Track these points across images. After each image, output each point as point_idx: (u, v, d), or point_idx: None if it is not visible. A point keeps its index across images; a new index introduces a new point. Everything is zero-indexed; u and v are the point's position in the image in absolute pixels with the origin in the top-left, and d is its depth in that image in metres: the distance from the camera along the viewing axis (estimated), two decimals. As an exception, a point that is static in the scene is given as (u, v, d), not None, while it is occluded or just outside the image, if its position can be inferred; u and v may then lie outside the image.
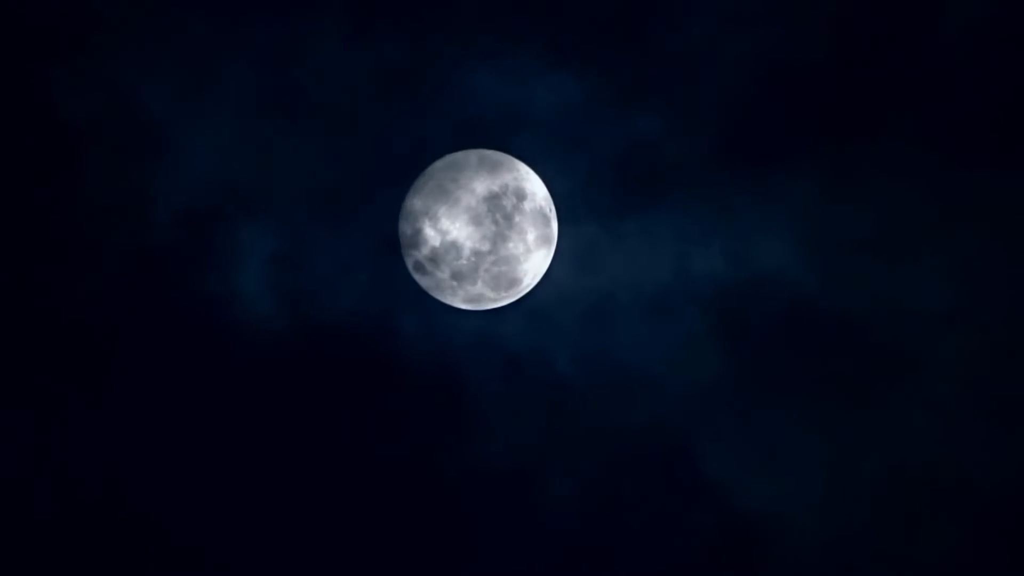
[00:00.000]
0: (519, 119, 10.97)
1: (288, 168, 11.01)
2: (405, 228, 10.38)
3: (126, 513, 10.77)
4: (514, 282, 10.35)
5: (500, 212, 10.11)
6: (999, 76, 10.76)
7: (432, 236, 10.17)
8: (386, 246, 10.75)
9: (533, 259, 10.35)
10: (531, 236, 10.27)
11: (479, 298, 10.42)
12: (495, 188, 10.19)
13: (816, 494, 10.77)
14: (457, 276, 10.19)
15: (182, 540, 10.85)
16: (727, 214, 10.87)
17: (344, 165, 11.04)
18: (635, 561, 10.83)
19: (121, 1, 10.94)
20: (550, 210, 10.54)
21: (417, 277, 10.46)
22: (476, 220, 10.06)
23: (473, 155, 10.44)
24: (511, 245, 10.13)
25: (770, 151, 10.85)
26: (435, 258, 10.20)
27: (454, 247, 10.05)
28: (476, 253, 10.04)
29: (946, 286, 10.75)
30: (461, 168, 10.32)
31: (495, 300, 10.49)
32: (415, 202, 10.34)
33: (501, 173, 10.34)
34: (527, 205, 10.30)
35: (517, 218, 10.19)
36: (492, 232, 10.06)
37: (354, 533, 10.88)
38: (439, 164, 10.44)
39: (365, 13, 10.99)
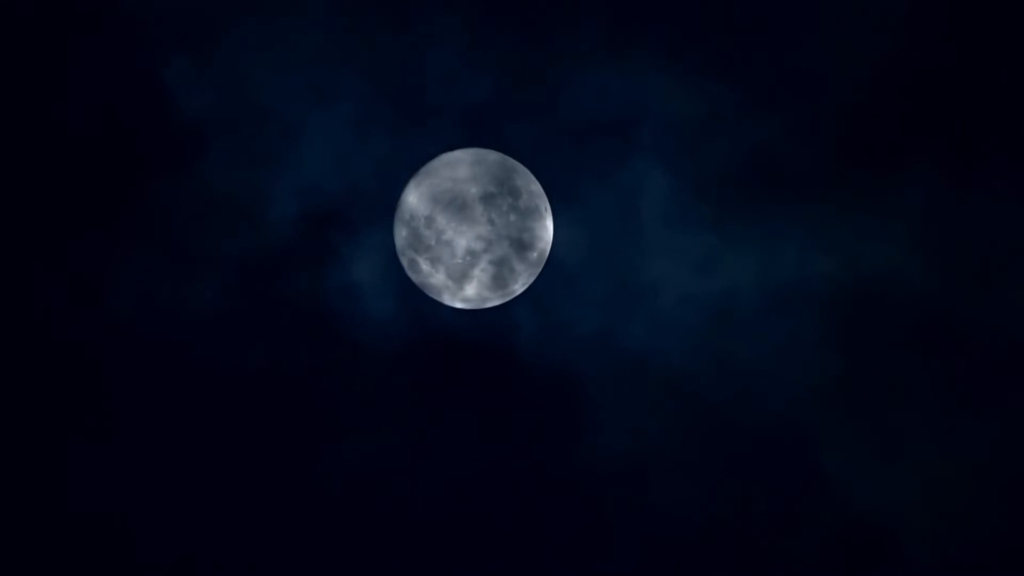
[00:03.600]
0: (638, 122, 11.08)
1: (408, 169, 11.11)
2: (401, 229, 10.45)
3: (250, 498, 10.86)
4: (510, 280, 10.39)
5: (496, 211, 10.15)
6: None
7: (428, 236, 10.22)
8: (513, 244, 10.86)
9: (530, 258, 10.40)
10: (527, 235, 10.31)
11: (475, 298, 10.47)
12: (491, 188, 10.23)
13: (935, 495, 10.82)
14: (453, 276, 10.24)
15: (295, 528, 10.92)
16: (846, 217, 10.95)
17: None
18: (754, 558, 10.87)
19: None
20: (546, 209, 10.61)
21: (412, 276, 10.54)
22: (472, 219, 10.08)
23: (470, 154, 10.49)
24: (507, 244, 10.17)
25: (888, 154, 10.94)
26: (432, 257, 10.25)
27: (449, 247, 10.09)
28: (471, 252, 10.08)
29: (1063, 288, 10.83)
30: (456, 167, 10.37)
31: (490, 300, 10.54)
32: (411, 200, 10.40)
33: (497, 172, 10.38)
34: (522, 203, 10.33)
35: (513, 216, 10.22)
36: (488, 231, 10.10)
37: (471, 528, 10.93)
38: (435, 163, 10.51)
39: (484, 16, 11.10)
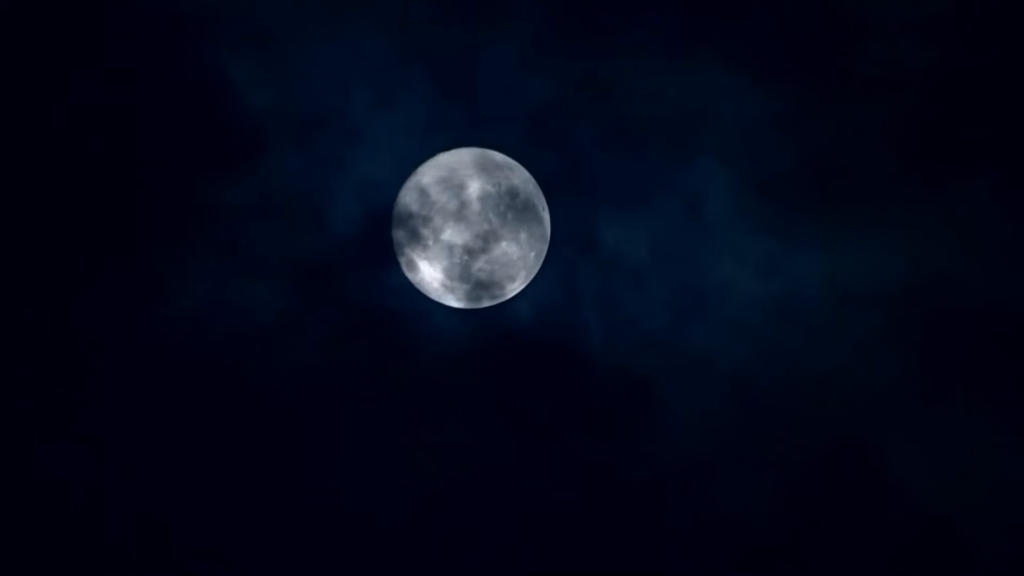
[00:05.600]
0: (700, 124, 11.11)
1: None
2: (399, 230, 10.45)
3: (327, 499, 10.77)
4: (508, 280, 10.39)
5: (493, 211, 10.14)
6: None
7: (425, 235, 10.22)
8: (577, 246, 10.89)
9: (527, 258, 10.40)
10: (523, 235, 10.32)
11: (474, 297, 10.46)
12: (489, 187, 10.24)
13: (1004, 496, 10.80)
14: (451, 276, 10.23)
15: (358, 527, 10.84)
16: (908, 220, 10.99)
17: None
18: (818, 559, 10.82)
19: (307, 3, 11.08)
20: (543, 208, 10.63)
21: (409, 275, 10.54)
22: (468, 219, 10.08)
23: (466, 154, 10.50)
24: (504, 244, 10.17)
25: (950, 157, 11.00)
26: (428, 257, 10.25)
27: (447, 247, 10.09)
28: (468, 252, 10.08)
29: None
30: (454, 168, 10.38)
31: (488, 299, 10.55)
32: (408, 199, 10.41)
33: (493, 172, 10.40)
34: (520, 203, 10.34)
35: (510, 216, 10.22)
36: (485, 231, 10.10)
37: (538, 526, 10.86)
38: (433, 163, 10.52)
39: (547, 18, 11.14)
